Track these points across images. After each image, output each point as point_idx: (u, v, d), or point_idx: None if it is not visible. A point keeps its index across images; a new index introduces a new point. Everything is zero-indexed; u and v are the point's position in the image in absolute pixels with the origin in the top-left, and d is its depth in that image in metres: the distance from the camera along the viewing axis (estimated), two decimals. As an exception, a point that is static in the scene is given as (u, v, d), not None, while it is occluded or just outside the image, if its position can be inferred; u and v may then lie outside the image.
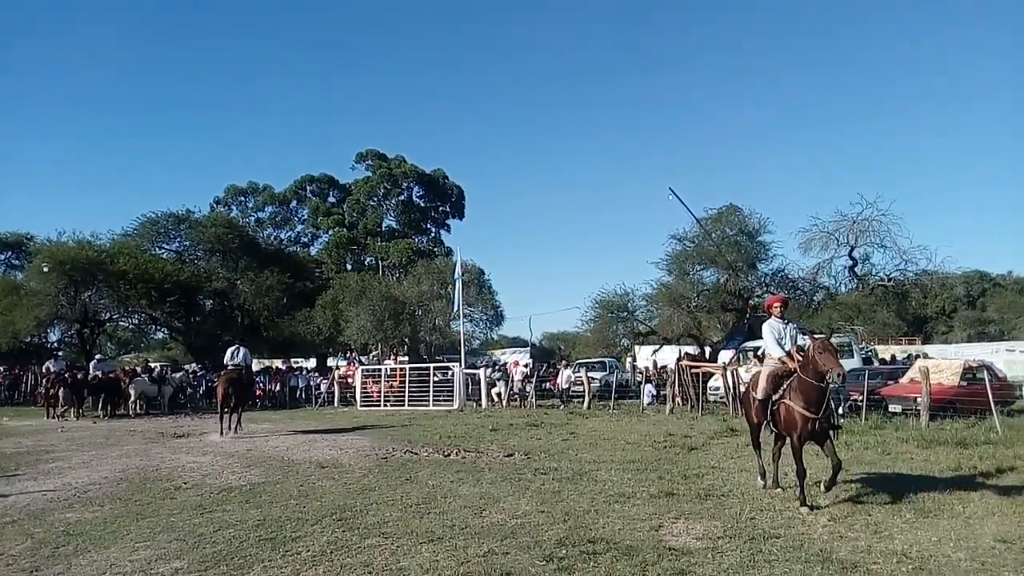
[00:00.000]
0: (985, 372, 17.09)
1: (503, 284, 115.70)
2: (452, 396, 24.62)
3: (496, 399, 25.05)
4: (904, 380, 18.21)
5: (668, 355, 28.91)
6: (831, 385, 7.08)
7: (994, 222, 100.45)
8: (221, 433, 15.59)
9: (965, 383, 17.05)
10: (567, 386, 24.80)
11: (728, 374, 20.42)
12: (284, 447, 13.55)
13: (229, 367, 16.29)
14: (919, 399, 15.44)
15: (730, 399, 19.78)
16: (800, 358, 7.45)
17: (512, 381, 25.66)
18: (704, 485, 8.70)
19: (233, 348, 16.77)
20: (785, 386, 7.56)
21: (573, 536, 6.25)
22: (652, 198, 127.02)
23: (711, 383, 22.11)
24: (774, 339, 8.01)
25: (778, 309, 8.19)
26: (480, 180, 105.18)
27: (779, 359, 7.81)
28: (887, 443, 12.45)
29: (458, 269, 28.98)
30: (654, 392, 23.50)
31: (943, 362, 20.28)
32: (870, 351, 31.40)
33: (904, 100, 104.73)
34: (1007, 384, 19.38)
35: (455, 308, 29.51)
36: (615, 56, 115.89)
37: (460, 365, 26.22)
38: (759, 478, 8.56)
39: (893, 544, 5.93)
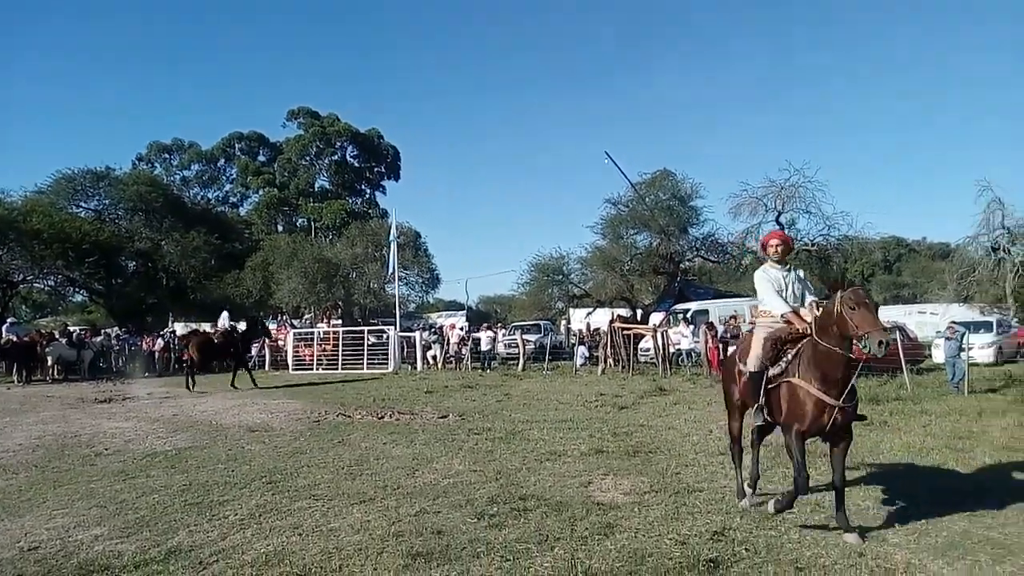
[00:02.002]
0: (897, 333, 17.99)
1: (439, 247, 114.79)
2: (387, 359, 24.50)
3: (431, 362, 25.08)
4: (823, 341, 18.99)
5: (601, 317, 29.36)
6: (865, 355, 4.99)
7: (911, 191, 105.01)
8: (188, 388, 17.45)
9: (879, 343, 17.91)
10: (488, 347, 24.73)
11: (658, 336, 20.95)
12: (212, 411, 13.26)
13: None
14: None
15: (660, 360, 20.33)
16: (817, 316, 5.26)
17: (448, 344, 25.71)
18: (633, 442, 8.93)
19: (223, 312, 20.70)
20: (791, 356, 5.31)
21: (505, 494, 6.35)
22: (589, 162, 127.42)
23: (642, 344, 22.70)
24: (772, 290, 5.69)
25: (777, 250, 5.83)
26: (417, 141, 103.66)
27: (782, 317, 5.55)
28: (806, 400, 13.00)
29: (393, 231, 28.62)
30: (587, 354, 23.92)
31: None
32: (793, 313, 32.58)
33: (830, 69, 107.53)
34: (918, 344, 20.49)
35: (390, 271, 29.21)
36: (552, 20, 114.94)
37: (395, 328, 26.06)
38: (740, 498, 5.93)
39: (809, 494, 6.21)
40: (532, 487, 6.64)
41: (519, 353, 24.17)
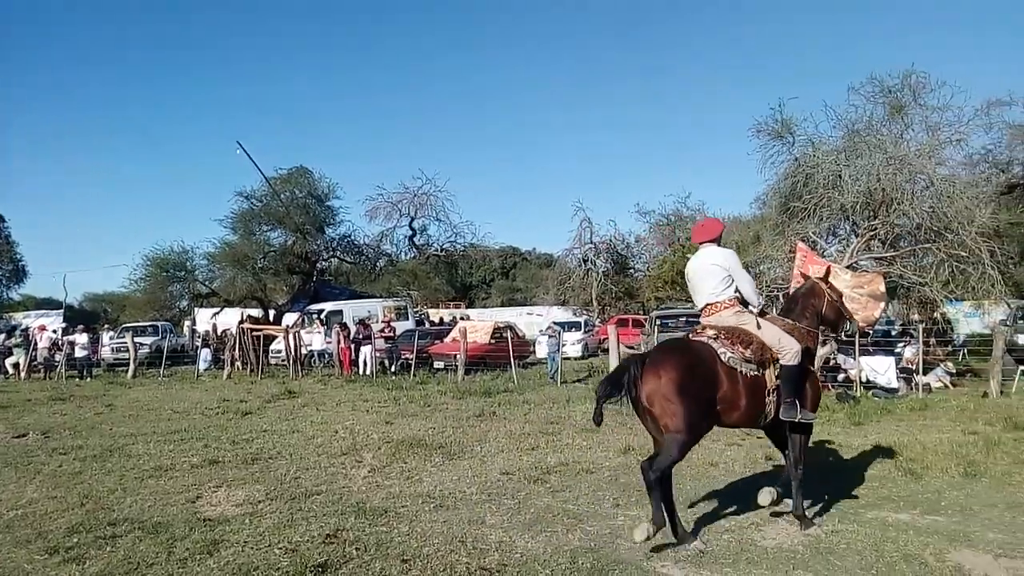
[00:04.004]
0: (509, 331, 20.17)
1: (29, 234, 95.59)
2: (-54, 369, 19.78)
3: (12, 371, 20.94)
4: (448, 340, 20.43)
5: (231, 318, 27.59)
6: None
7: (525, 205, 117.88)
8: None
9: (494, 341, 19.85)
10: (84, 353, 21.31)
11: (291, 336, 20.38)
12: None
13: None
14: (458, 356, 17.49)
15: (291, 362, 19.79)
16: (799, 302, 5.39)
17: (36, 349, 21.70)
18: (252, 449, 8.47)
19: None
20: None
21: (90, 521, 5.49)
22: (219, 152, 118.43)
23: (273, 346, 21.94)
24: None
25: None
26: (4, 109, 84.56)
27: (754, 310, 5.11)
28: (429, 395, 13.86)
29: (-40, 212, 23.27)
30: (210, 357, 22.23)
31: (479, 323, 23.38)
32: (423, 314, 34.66)
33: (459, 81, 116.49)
34: (525, 341, 23.18)
35: (-46, 260, 23.71)
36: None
37: (-41, 331, 21.17)
38: (662, 532, 4.53)
39: (421, 487, 6.53)
40: (127, 509, 5.86)
41: (129, 358, 21.44)
